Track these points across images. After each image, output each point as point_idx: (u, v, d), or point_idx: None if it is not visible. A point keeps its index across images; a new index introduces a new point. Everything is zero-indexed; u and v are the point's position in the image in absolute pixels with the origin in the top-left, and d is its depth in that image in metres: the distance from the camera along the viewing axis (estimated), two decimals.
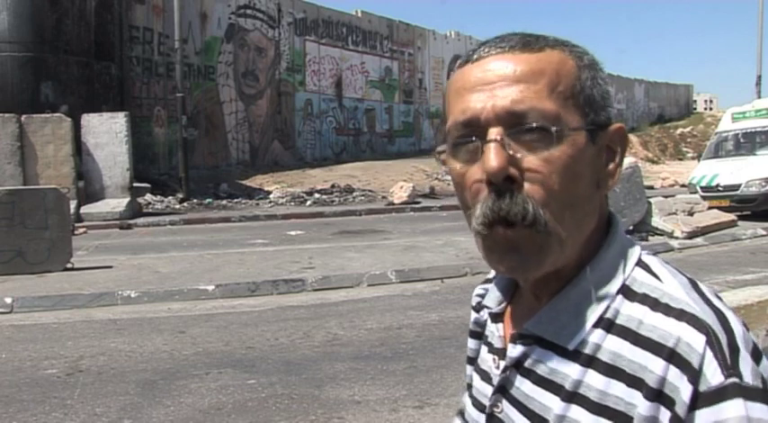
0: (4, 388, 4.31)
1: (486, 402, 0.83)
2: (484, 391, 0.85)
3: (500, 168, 0.70)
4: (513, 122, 0.71)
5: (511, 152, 0.71)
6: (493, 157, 0.70)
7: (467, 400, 0.91)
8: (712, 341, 0.66)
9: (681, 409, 0.65)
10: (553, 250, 0.72)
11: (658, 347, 0.67)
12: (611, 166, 0.77)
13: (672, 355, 0.66)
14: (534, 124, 0.70)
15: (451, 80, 0.78)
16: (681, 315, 0.68)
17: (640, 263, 0.76)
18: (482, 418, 0.84)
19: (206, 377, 4.43)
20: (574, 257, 0.75)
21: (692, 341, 0.66)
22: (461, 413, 0.97)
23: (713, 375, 0.65)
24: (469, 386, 0.94)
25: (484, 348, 0.89)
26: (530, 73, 0.72)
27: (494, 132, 0.71)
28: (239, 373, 4.48)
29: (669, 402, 0.66)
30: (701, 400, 0.64)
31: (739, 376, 0.65)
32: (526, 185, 0.71)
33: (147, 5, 19.96)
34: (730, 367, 0.65)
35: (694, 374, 0.65)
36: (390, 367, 4.52)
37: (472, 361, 0.93)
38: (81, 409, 3.90)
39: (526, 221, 0.70)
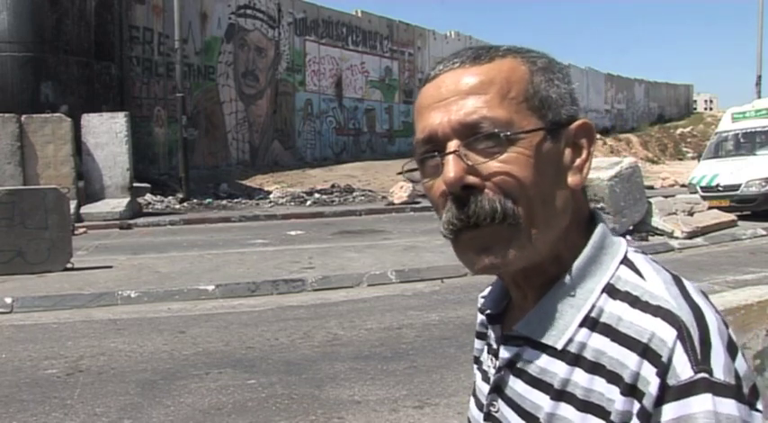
0: (4, 388, 4.31)
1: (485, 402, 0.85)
2: (483, 390, 0.87)
3: (456, 179, 0.73)
4: (468, 133, 0.74)
5: (469, 162, 0.73)
6: (450, 169, 0.73)
7: (471, 399, 0.93)
8: (683, 336, 0.67)
9: (648, 402, 0.66)
10: (522, 245, 0.74)
11: (634, 343, 0.69)
12: (578, 161, 0.78)
13: (645, 351, 0.67)
14: (486, 131, 0.73)
15: (416, 100, 0.81)
16: (657, 311, 0.69)
17: (625, 260, 0.77)
18: (481, 417, 0.86)
19: (206, 377, 4.43)
20: (548, 253, 0.77)
21: (663, 336, 0.67)
22: None
23: (683, 370, 0.65)
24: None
25: (484, 349, 0.90)
26: (479, 84, 0.75)
27: (451, 145, 0.74)
28: (239, 373, 4.48)
29: (640, 396, 0.67)
30: (668, 393, 0.65)
31: (709, 372, 0.65)
32: (488, 189, 0.73)
33: (147, 5, 19.95)
34: (701, 362, 0.66)
35: (663, 368, 0.66)
36: (390, 367, 4.52)
37: (478, 361, 0.95)
38: (81, 409, 3.90)
39: (496, 220, 0.73)
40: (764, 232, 10.78)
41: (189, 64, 20.35)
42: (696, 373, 0.65)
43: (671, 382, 0.65)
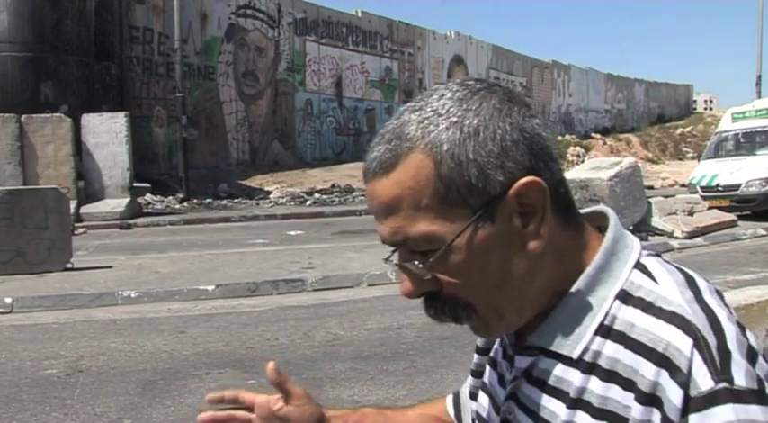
0: (4, 388, 4.31)
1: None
2: (500, 395, 0.86)
3: (407, 293, 0.77)
4: (403, 247, 0.75)
5: (415, 271, 0.75)
6: (402, 284, 0.77)
7: (484, 401, 0.92)
8: (700, 345, 0.66)
9: (673, 414, 0.65)
10: (499, 325, 0.78)
11: (648, 351, 0.68)
12: (533, 225, 0.72)
13: (662, 360, 0.66)
14: (417, 250, 0.74)
15: None
16: (672, 318, 0.68)
17: (638, 265, 0.76)
18: (498, 421, 0.85)
19: (206, 377, 4.43)
20: (532, 310, 0.77)
21: (680, 345, 0.66)
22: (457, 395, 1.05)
23: (703, 380, 0.64)
24: (472, 392, 0.96)
25: (499, 350, 0.89)
26: (392, 202, 0.72)
27: (395, 257, 0.77)
28: (239, 373, 4.48)
29: (660, 405, 0.66)
30: (691, 405, 0.64)
31: (730, 381, 0.64)
32: (443, 292, 0.75)
33: (147, 5, 19.95)
34: (720, 372, 0.65)
35: (684, 379, 0.65)
36: (390, 367, 4.52)
37: (475, 374, 0.95)
38: (81, 409, 3.90)
39: (462, 322, 0.77)
40: (764, 232, 10.79)
41: (189, 64, 20.34)
42: (717, 383, 0.64)
43: (693, 393, 0.64)
